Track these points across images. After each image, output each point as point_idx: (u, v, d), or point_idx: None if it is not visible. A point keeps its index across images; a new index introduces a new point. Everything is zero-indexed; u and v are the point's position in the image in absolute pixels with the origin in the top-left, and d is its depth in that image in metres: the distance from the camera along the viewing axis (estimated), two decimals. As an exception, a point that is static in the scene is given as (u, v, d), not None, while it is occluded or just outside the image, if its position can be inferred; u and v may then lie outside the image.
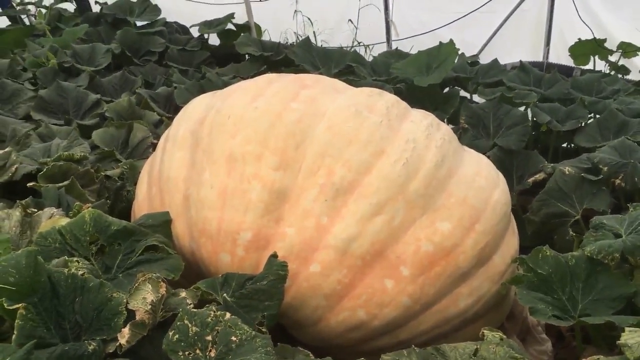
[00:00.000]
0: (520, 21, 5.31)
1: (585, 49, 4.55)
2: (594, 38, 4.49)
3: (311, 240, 1.56)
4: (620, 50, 4.45)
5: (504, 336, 1.41)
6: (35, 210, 1.80)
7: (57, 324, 1.24)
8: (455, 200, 1.64)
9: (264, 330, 1.34)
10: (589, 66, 4.61)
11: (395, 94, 3.21)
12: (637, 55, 4.50)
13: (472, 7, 5.30)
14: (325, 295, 1.56)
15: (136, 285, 1.30)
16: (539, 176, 2.69)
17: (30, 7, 6.02)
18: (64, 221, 1.63)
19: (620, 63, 4.47)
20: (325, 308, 1.57)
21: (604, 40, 4.49)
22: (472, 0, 5.32)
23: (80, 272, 1.30)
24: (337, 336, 1.61)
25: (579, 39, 4.54)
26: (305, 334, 1.67)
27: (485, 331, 1.43)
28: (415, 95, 3.54)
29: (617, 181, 2.42)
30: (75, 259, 1.42)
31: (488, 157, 2.68)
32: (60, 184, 2.12)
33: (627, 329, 1.32)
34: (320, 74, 3.92)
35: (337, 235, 1.55)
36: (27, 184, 2.15)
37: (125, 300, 1.26)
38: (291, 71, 4.01)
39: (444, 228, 1.60)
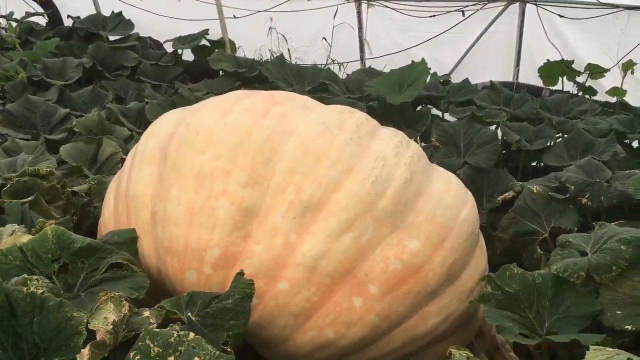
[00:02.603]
0: (491, 42, 5.42)
1: (554, 70, 4.65)
2: (562, 60, 4.59)
3: (279, 258, 1.55)
4: (588, 72, 4.55)
5: (471, 355, 1.41)
6: (-3, 226, 1.75)
7: (14, 345, 1.21)
8: (424, 218, 1.65)
9: (228, 350, 1.32)
10: (558, 87, 4.71)
11: (367, 111, 3.24)
12: (604, 76, 4.61)
13: (445, 28, 5.39)
14: (293, 313, 1.54)
15: (98, 304, 1.27)
16: (509, 194, 2.72)
17: (0, 20, 5.94)
18: (26, 238, 1.59)
19: (587, 84, 4.57)
20: (293, 327, 1.55)
21: (572, 62, 4.60)
22: (445, 21, 5.41)
23: (39, 291, 1.26)
24: (305, 355, 1.59)
25: (548, 60, 4.64)
26: (273, 353, 1.65)
27: (452, 350, 1.43)
28: (388, 113, 3.57)
29: (584, 200, 2.46)
30: (35, 277, 1.38)
31: (458, 175, 2.71)
32: (25, 200, 2.08)
33: (592, 347, 1.33)
34: (294, 90, 3.93)
35: (305, 253, 1.54)
36: (-10, 200, 2.10)
37: (85, 320, 1.23)
38: (265, 88, 4.01)
39: (413, 246, 1.60)
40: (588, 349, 1.32)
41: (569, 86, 4.68)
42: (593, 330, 1.62)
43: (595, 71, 4.55)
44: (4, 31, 5.96)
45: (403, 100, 3.60)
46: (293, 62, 5.29)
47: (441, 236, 1.65)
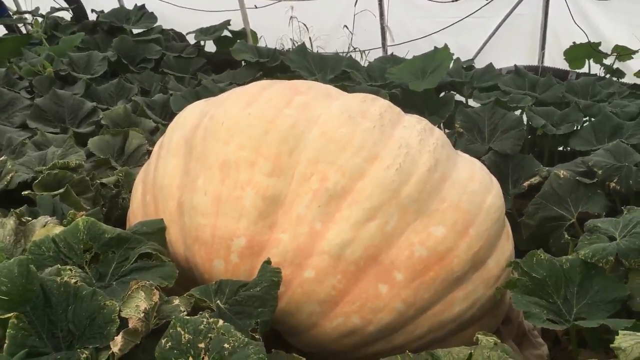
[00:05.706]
0: (515, 26, 5.34)
1: (580, 52, 4.57)
2: (589, 42, 4.51)
3: (305, 246, 1.56)
4: (615, 54, 4.46)
5: (498, 340, 1.41)
6: (30, 218, 1.80)
7: (49, 333, 1.24)
8: (449, 204, 1.64)
9: (257, 337, 1.34)
10: (584, 69, 4.63)
11: (390, 99, 3.24)
12: (632, 58, 4.52)
13: (468, 12, 5.32)
14: (320, 301, 1.56)
15: (129, 293, 1.30)
16: (535, 180, 2.69)
17: (27, 15, 6.05)
18: (58, 229, 1.63)
19: (615, 66, 4.48)
20: (319, 314, 1.57)
21: (599, 44, 4.51)
22: (468, 5, 5.34)
23: (73, 281, 1.29)
24: (332, 342, 1.60)
25: (574, 42, 4.56)
26: (300, 340, 1.67)
27: (479, 335, 1.43)
28: (411, 100, 3.55)
29: (612, 184, 2.43)
30: (68, 267, 1.41)
31: (483, 161, 2.69)
32: (55, 192, 2.12)
33: (621, 332, 1.32)
34: (316, 79, 3.94)
35: (331, 241, 1.55)
36: (22, 192, 2.15)
37: (118, 308, 1.26)
38: (287, 77, 4.02)
39: (438, 233, 1.60)
40: (617, 334, 1.32)
41: (596, 69, 4.60)
42: (622, 315, 1.60)
43: (623, 53, 4.46)
44: (30, 27, 6.06)
45: (426, 87, 3.58)
46: (315, 50, 5.29)
47: (466, 223, 1.65)
